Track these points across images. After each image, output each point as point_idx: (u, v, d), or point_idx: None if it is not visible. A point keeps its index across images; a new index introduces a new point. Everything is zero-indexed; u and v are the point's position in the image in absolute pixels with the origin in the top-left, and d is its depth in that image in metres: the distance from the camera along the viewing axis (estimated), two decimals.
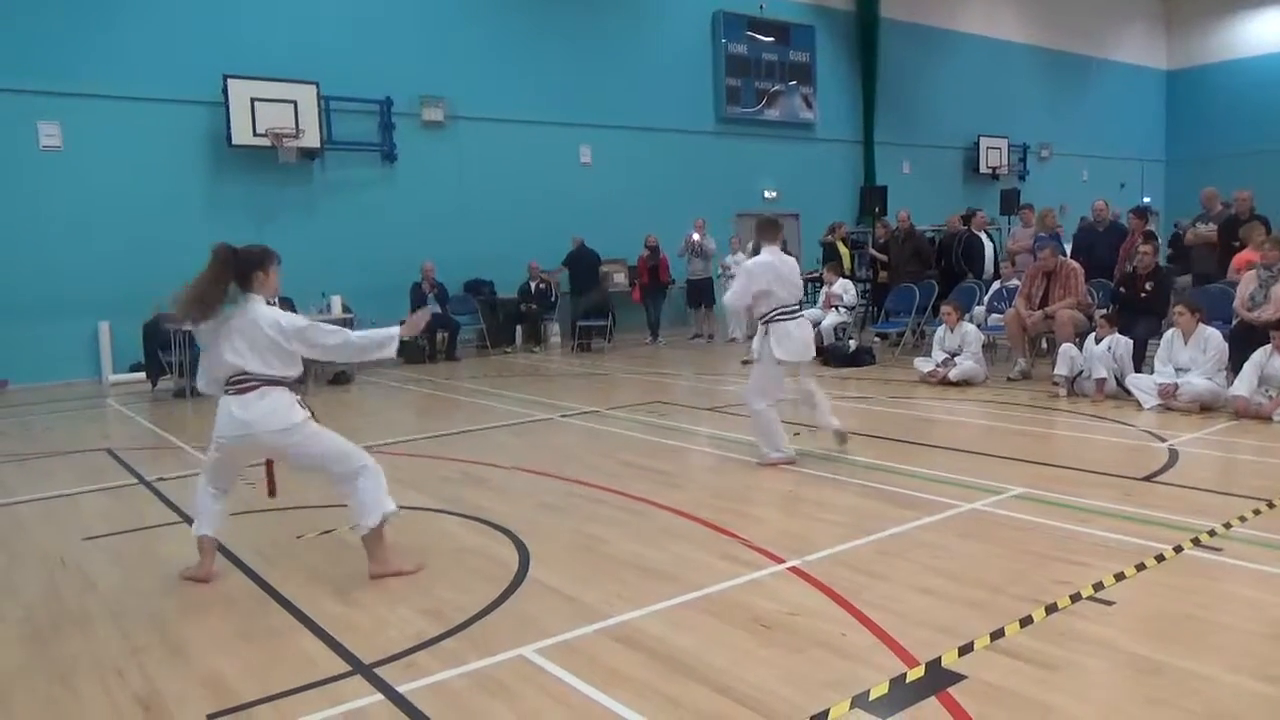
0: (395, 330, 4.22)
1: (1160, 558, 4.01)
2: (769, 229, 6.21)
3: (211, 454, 4.18)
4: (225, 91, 12.30)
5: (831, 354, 10.96)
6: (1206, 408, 7.38)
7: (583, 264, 14.53)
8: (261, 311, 3.99)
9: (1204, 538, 4.27)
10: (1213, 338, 7.54)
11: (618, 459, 6.42)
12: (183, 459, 6.97)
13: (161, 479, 6.25)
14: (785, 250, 6.28)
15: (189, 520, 5.18)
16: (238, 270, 4.03)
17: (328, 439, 4.11)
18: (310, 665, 3.24)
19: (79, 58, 11.61)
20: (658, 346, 14.29)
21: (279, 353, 3.99)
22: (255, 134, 12.45)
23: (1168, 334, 7.87)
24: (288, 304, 10.41)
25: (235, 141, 12.43)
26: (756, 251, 6.19)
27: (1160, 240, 11.86)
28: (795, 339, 6.01)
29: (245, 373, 3.96)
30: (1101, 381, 8.03)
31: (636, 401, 8.94)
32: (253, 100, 12.42)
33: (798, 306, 6.14)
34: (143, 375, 11.23)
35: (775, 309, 5.99)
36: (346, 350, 4.18)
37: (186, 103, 12.34)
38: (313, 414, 4.13)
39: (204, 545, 4.20)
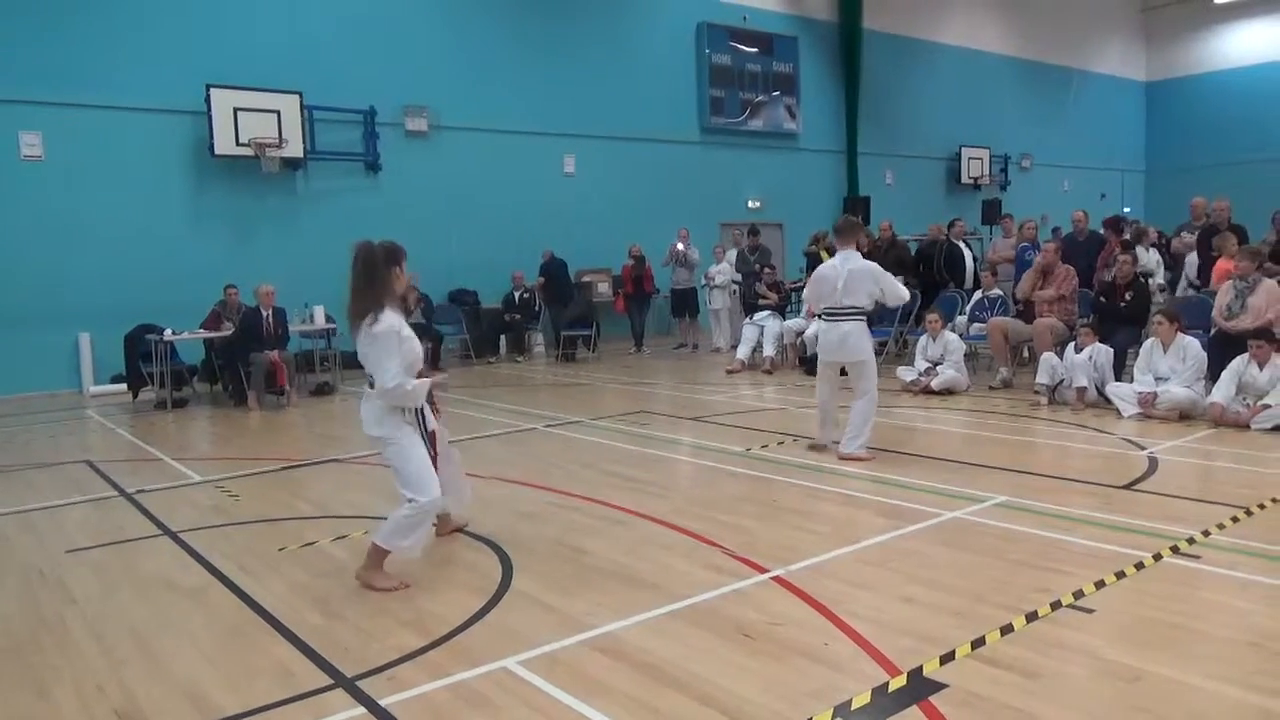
0: (425, 382, 4.22)
1: (1140, 565, 4.05)
2: (841, 231, 6.76)
3: None
4: (208, 101, 12.25)
5: (813, 362, 10.97)
6: (1185, 416, 7.45)
7: (556, 274, 14.54)
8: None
9: (1183, 545, 4.30)
10: (1191, 347, 7.62)
11: (601, 469, 6.42)
12: (164, 471, 6.92)
13: (142, 491, 6.20)
14: (863, 252, 6.97)
15: (170, 532, 5.17)
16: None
17: (406, 460, 4.15)
18: (292, 678, 3.23)
19: (61, 67, 11.54)
20: (642, 356, 14.29)
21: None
22: (238, 144, 12.39)
23: (1147, 343, 7.95)
24: (279, 314, 10.39)
25: (218, 151, 12.37)
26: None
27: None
28: (821, 340, 6.73)
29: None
30: (1082, 390, 8.09)
31: (620, 411, 8.94)
32: (236, 110, 12.37)
33: (843, 309, 6.51)
34: (124, 386, 11.14)
35: (823, 309, 6.65)
36: (392, 395, 4.10)
37: (169, 112, 12.28)
38: (422, 427, 4.23)
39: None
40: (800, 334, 11.65)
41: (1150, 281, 10.61)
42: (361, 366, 4.20)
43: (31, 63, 11.38)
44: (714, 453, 6.86)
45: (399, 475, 4.18)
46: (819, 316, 6.80)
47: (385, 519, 4.19)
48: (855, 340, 6.50)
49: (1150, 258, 11.58)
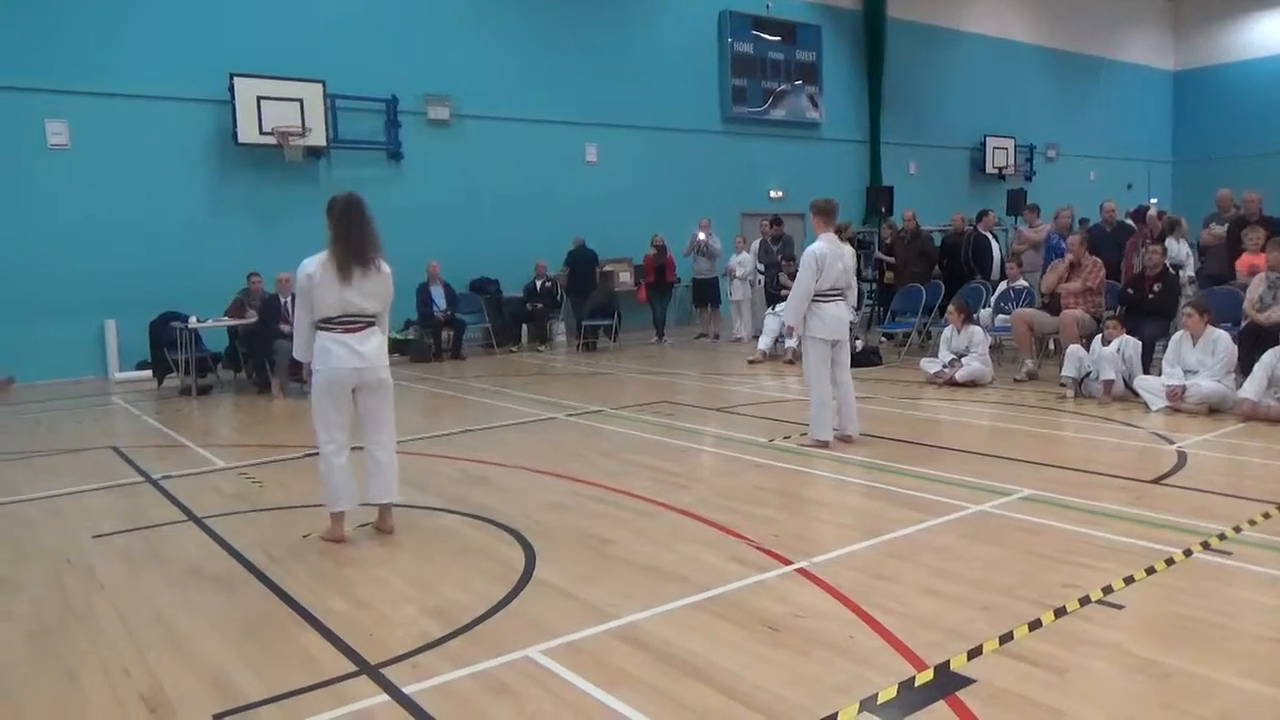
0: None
1: (1170, 561, 3.99)
2: (828, 212, 6.67)
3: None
4: (231, 90, 12.30)
5: None
6: (1215, 410, 7.34)
7: (583, 263, 14.53)
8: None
9: (1214, 541, 4.24)
10: (1221, 339, 7.50)
11: (624, 459, 6.41)
12: (189, 457, 6.98)
13: (167, 477, 6.25)
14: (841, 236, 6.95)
15: (195, 518, 5.20)
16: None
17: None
18: (316, 665, 3.24)
19: (86, 56, 11.62)
20: (663, 346, 14.27)
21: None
22: (261, 132, 12.45)
23: (1176, 335, 7.83)
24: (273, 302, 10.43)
25: (241, 140, 12.43)
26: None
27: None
28: (829, 320, 6.52)
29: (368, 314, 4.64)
30: (1109, 383, 7.99)
31: (642, 401, 8.93)
32: (259, 99, 12.42)
33: (838, 289, 6.60)
34: (149, 373, 11.25)
35: (822, 290, 6.54)
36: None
37: (193, 101, 12.35)
38: None
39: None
40: None
41: (1180, 274, 10.48)
42: (351, 312, 4.57)
43: (58, 52, 11.46)
44: (737, 443, 6.83)
45: (390, 420, 4.75)
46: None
47: (392, 502, 4.79)
48: (846, 317, 6.73)
49: (1181, 249, 11.43)
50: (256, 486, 5.98)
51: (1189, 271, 11.21)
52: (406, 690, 3.00)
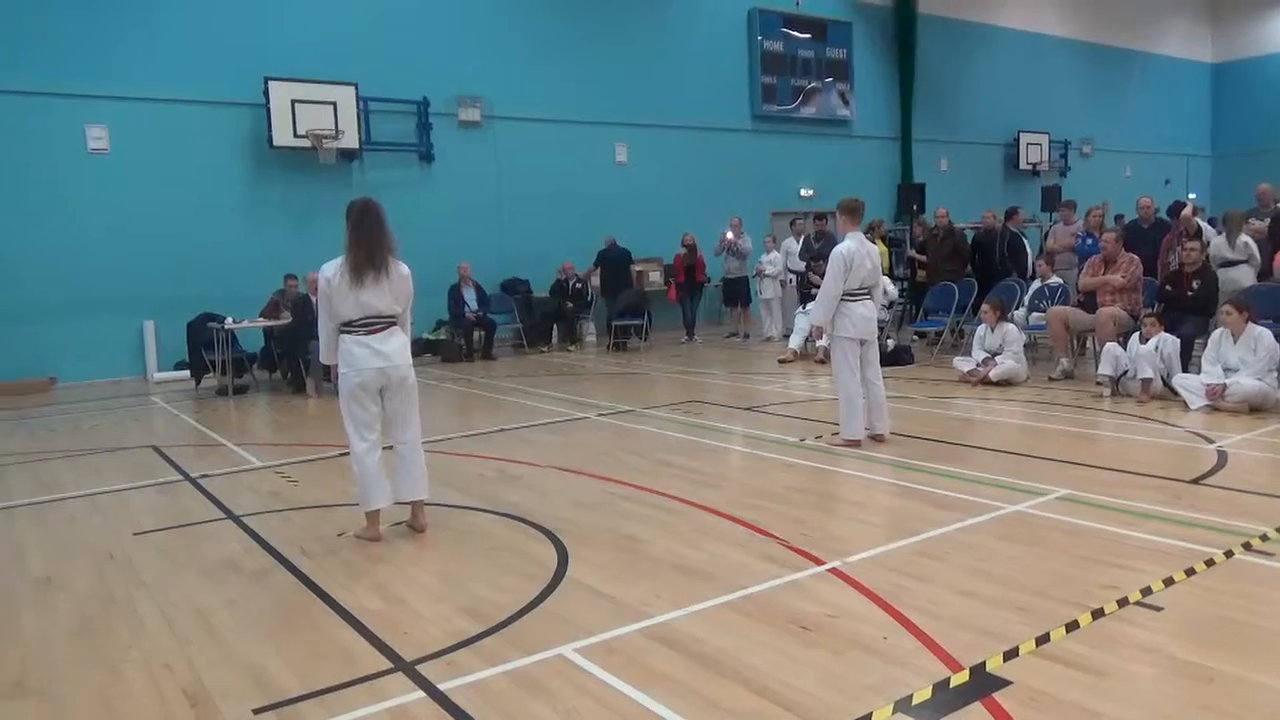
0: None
1: (1210, 562, 3.93)
2: (855, 211, 6.73)
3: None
4: (266, 93, 12.47)
5: None
6: (1256, 409, 7.21)
7: (614, 263, 14.54)
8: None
9: (1255, 542, 4.17)
10: (1263, 337, 7.36)
11: (654, 458, 6.41)
12: (226, 456, 7.08)
13: (206, 475, 6.35)
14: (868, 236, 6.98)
15: (233, 516, 5.28)
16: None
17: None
18: (353, 662, 3.27)
19: (125, 61, 11.84)
20: (693, 345, 14.26)
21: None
22: (296, 135, 12.61)
23: (1216, 333, 7.71)
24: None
25: (276, 143, 12.60)
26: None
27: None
28: (858, 320, 6.50)
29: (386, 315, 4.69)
30: (1147, 382, 7.88)
31: (673, 400, 8.93)
32: (293, 102, 12.58)
33: (865, 289, 6.60)
34: (187, 373, 11.42)
35: (849, 289, 6.55)
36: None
37: (229, 105, 12.53)
38: None
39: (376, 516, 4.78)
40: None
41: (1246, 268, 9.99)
42: (369, 313, 4.63)
43: (97, 58, 11.68)
44: (767, 443, 6.81)
45: (416, 418, 4.80)
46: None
47: (422, 499, 4.85)
48: (875, 316, 6.71)
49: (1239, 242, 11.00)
50: (292, 485, 6.06)
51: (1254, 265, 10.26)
52: (442, 687, 3.03)
